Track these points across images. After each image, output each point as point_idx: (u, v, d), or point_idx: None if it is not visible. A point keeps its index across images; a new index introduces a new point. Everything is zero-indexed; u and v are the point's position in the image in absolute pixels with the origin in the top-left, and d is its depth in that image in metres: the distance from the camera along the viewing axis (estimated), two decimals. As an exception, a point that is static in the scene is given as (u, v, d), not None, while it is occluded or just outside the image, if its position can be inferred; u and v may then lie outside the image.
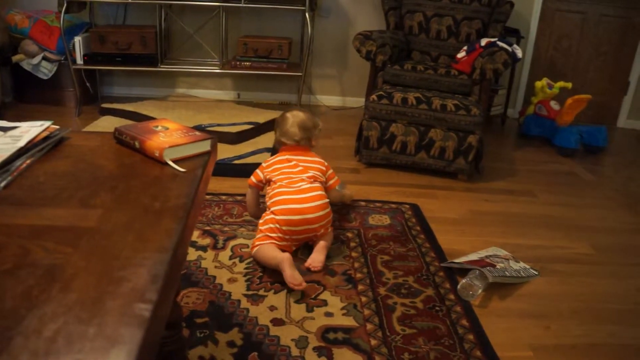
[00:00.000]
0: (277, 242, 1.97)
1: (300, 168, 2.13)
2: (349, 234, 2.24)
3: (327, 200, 2.09)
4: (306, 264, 1.97)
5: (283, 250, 1.94)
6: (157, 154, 1.02)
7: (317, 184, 2.10)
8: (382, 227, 2.33)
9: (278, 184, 2.08)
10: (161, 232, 0.75)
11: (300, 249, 2.09)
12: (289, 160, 2.16)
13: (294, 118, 2.23)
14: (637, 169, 3.52)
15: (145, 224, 0.78)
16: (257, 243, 1.98)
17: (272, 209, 2.02)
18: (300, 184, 2.07)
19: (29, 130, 1.07)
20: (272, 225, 1.99)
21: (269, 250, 1.93)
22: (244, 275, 1.88)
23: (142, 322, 0.56)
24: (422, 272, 1.99)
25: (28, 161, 0.98)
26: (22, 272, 0.64)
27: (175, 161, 1.02)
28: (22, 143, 1.00)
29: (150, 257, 0.69)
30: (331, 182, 2.25)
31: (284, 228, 1.97)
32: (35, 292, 0.61)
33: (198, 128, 3.20)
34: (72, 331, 0.55)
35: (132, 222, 0.78)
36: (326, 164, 2.24)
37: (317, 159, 2.22)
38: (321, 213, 2.03)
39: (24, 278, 0.63)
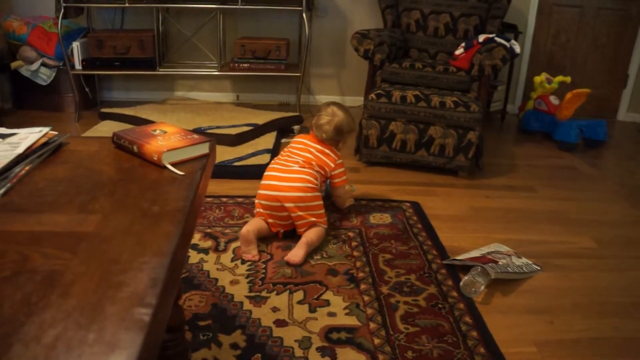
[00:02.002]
0: (265, 218, 2.12)
1: (306, 154, 2.19)
2: (350, 234, 2.24)
3: (311, 185, 2.10)
4: (285, 258, 2.00)
5: (275, 232, 2.14)
6: (155, 158, 1.02)
7: (307, 169, 2.14)
8: (383, 225, 2.33)
9: (276, 159, 2.23)
10: (160, 236, 0.75)
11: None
12: (302, 144, 2.25)
13: (333, 117, 2.25)
14: (638, 162, 3.51)
15: (144, 228, 0.78)
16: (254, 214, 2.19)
17: (261, 181, 2.17)
18: (293, 165, 2.15)
19: (28, 136, 1.07)
20: (255, 201, 2.17)
21: (249, 223, 2.08)
22: (246, 277, 1.88)
23: (142, 326, 0.56)
24: (424, 270, 1.99)
25: (27, 167, 0.98)
26: (21, 279, 0.64)
27: (173, 164, 1.02)
28: (20, 150, 1.00)
29: (149, 261, 0.69)
30: (336, 180, 2.27)
31: (262, 202, 2.12)
32: (34, 299, 0.61)
33: (197, 130, 3.20)
34: (71, 337, 0.55)
35: (131, 227, 0.78)
36: (338, 162, 2.25)
37: (330, 153, 2.24)
38: (297, 194, 2.07)
39: (23, 284, 0.63)
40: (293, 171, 2.12)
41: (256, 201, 2.16)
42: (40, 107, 3.87)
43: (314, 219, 2.11)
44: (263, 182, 2.14)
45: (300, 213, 2.08)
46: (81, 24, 3.97)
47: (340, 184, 2.29)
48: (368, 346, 1.56)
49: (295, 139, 2.31)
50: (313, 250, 2.07)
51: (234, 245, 2.09)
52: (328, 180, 2.32)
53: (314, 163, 2.18)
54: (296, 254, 1.99)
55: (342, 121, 2.26)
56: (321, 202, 2.15)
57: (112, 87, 4.33)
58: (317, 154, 2.21)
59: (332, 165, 2.22)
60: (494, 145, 3.62)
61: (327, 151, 2.23)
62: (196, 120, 3.48)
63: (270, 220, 2.12)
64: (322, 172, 2.20)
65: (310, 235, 2.06)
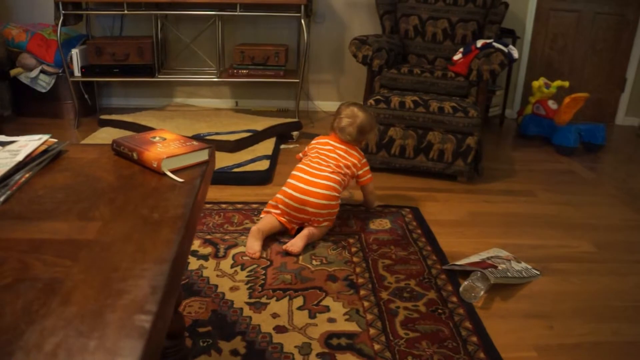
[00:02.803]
0: (278, 215, 2.18)
1: (335, 156, 2.26)
2: (350, 239, 2.24)
3: (337, 194, 2.18)
4: (284, 247, 2.09)
5: (290, 228, 2.20)
6: (155, 165, 1.02)
7: (335, 176, 2.19)
8: (382, 231, 2.33)
9: (307, 159, 2.28)
10: (160, 243, 0.75)
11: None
12: (329, 144, 2.31)
13: (355, 118, 2.29)
14: (637, 166, 3.52)
15: (144, 235, 0.78)
16: (263, 210, 2.24)
17: (287, 180, 2.23)
18: (322, 167, 2.20)
19: (27, 144, 1.07)
20: (278, 196, 2.20)
21: (261, 222, 2.16)
22: (246, 284, 1.88)
23: (142, 333, 0.57)
24: (424, 275, 1.99)
25: (27, 175, 0.98)
26: (21, 287, 0.64)
27: (173, 171, 1.02)
28: (20, 157, 1.01)
29: (149, 268, 0.69)
30: (363, 178, 2.35)
31: (285, 200, 2.15)
32: (35, 307, 0.61)
33: (197, 137, 3.21)
34: (72, 345, 0.55)
35: (131, 234, 0.78)
36: (363, 161, 2.33)
37: (355, 153, 2.32)
38: (323, 202, 2.14)
39: (24, 292, 0.63)
40: (323, 177, 2.18)
41: (278, 196, 2.19)
42: (40, 114, 3.87)
43: (327, 223, 2.21)
44: (291, 180, 2.20)
45: (320, 218, 2.18)
46: (80, 31, 3.98)
47: (367, 181, 2.38)
48: (368, 352, 1.56)
49: (319, 140, 2.36)
50: (312, 257, 2.07)
51: (233, 251, 2.09)
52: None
53: (342, 165, 2.24)
54: (295, 244, 2.08)
55: (364, 121, 2.31)
56: (339, 206, 2.24)
57: (111, 93, 4.34)
58: (344, 154, 2.29)
59: (359, 164, 2.31)
60: (493, 150, 3.62)
61: (351, 151, 2.31)
62: (195, 127, 3.48)
63: (286, 218, 2.18)
64: (350, 173, 2.27)
65: (313, 230, 2.16)
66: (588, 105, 4.08)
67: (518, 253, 2.19)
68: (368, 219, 2.43)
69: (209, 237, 2.20)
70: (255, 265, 2.00)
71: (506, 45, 3.07)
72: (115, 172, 1.03)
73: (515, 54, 3.07)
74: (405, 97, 2.93)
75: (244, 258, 2.05)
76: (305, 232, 2.13)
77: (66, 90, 3.79)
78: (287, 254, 2.07)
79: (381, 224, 2.39)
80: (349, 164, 2.27)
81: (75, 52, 3.68)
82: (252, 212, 2.43)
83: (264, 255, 2.07)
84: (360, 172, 2.33)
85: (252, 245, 2.06)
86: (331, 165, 2.22)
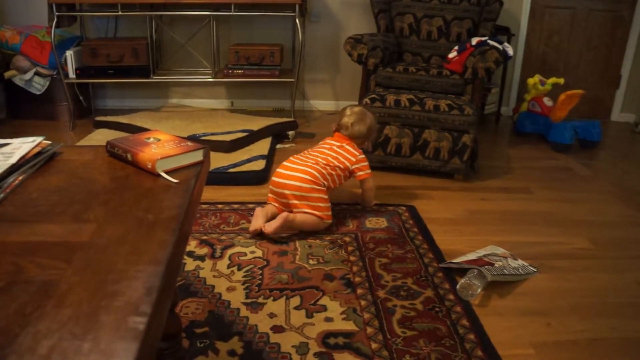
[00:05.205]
0: (271, 199, 2.34)
1: (327, 152, 2.39)
2: (347, 238, 2.24)
3: (311, 179, 2.25)
4: (261, 225, 2.20)
5: (280, 212, 2.27)
6: (149, 166, 1.02)
7: (317, 166, 2.29)
8: (379, 229, 2.33)
9: (301, 153, 2.42)
10: (155, 244, 0.75)
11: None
12: (326, 143, 2.47)
13: (365, 119, 2.46)
14: (632, 163, 3.53)
15: (138, 236, 0.78)
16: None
17: None
18: (305, 160, 2.33)
19: (21, 146, 1.07)
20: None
21: (264, 207, 2.32)
22: (243, 284, 1.88)
23: (136, 335, 0.56)
24: (421, 274, 1.99)
25: (20, 177, 0.98)
26: (15, 289, 0.64)
27: (168, 172, 1.02)
28: (14, 160, 1.00)
29: (144, 269, 0.69)
30: (359, 173, 2.43)
31: (271, 186, 2.33)
32: (29, 309, 0.60)
33: (192, 137, 3.20)
34: (66, 347, 0.54)
35: (125, 235, 0.78)
36: (360, 157, 2.43)
37: (352, 150, 2.43)
38: (295, 183, 2.25)
39: (18, 295, 0.63)
40: (302, 164, 2.31)
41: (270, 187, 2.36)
42: (35, 116, 3.86)
43: (310, 210, 2.24)
44: (278, 169, 2.33)
45: (296, 202, 2.24)
46: (74, 33, 3.97)
47: (364, 177, 2.44)
48: (365, 351, 1.56)
49: (327, 140, 2.49)
50: (309, 256, 2.07)
51: (230, 251, 2.09)
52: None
53: (331, 159, 2.35)
54: (271, 224, 2.17)
55: (373, 122, 2.51)
56: (322, 197, 2.26)
57: (106, 95, 4.33)
58: (340, 150, 2.40)
59: (354, 159, 2.40)
60: (489, 147, 3.63)
61: (349, 147, 2.42)
62: (191, 127, 3.48)
63: (276, 204, 2.32)
64: (341, 167, 2.36)
65: (295, 215, 2.22)
66: (583, 102, 4.08)
67: (515, 250, 2.20)
68: (364, 218, 2.43)
69: (205, 237, 2.20)
70: (251, 266, 2.00)
71: (501, 43, 3.07)
72: (110, 174, 1.03)
73: (510, 51, 3.08)
74: (401, 96, 2.93)
75: (241, 258, 2.04)
76: (283, 214, 2.18)
77: (61, 92, 3.77)
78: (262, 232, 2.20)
79: (378, 223, 2.39)
80: (342, 159, 2.37)
81: (69, 54, 3.67)
82: (248, 212, 2.43)
83: (262, 256, 2.07)
84: (355, 167, 2.39)
85: (255, 222, 2.22)
86: (318, 159, 2.33)
